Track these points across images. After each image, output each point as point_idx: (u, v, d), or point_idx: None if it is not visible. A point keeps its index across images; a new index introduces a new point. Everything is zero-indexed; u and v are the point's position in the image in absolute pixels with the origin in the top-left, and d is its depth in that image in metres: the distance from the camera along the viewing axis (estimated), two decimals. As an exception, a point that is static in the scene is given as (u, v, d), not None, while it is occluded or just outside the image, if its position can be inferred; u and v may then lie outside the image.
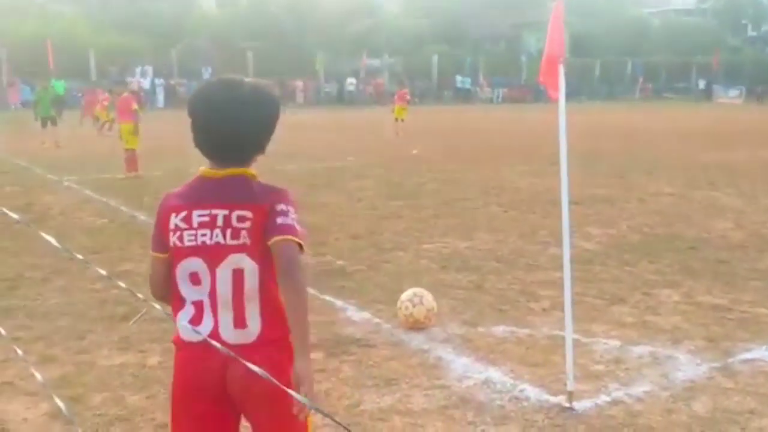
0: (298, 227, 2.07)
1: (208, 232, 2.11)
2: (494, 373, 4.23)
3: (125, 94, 13.49)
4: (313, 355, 4.45)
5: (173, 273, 2.17)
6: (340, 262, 6.81)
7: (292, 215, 2.09)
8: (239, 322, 2.11)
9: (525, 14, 53.51)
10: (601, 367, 4.32)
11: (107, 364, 4.38)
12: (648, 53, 56.39)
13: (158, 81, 41.84)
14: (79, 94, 34.05)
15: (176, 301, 2.19)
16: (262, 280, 2.10)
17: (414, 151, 16.95)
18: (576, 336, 4.55)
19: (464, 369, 4.30)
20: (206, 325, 2.12)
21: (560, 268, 6.66)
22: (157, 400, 3.89)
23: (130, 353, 4.55)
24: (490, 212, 9.46)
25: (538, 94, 42.82)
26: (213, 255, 2.10)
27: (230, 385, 2.12)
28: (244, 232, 2.09)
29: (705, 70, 56.11)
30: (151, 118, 25.82)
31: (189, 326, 2.11)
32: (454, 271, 6.52)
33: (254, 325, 2.11)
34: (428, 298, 5.05)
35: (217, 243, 2.10)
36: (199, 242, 2.12)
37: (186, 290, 2.15)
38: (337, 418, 3.60)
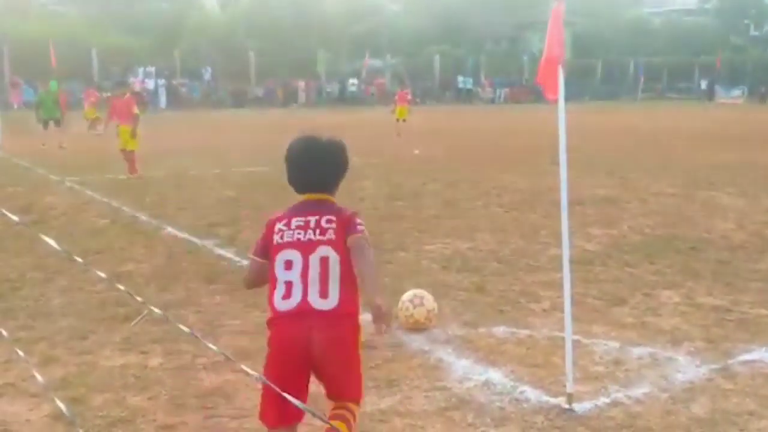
0: (365, 230, 2.99)
1: (302, 232, 2.96)
2: (494, 375, 4.24)
3: (127, 96, 13.48)
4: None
5: (272, 263, 2.97)
6: (341, 263, 6.82)
7: (362, 224, 3.00)
8: (323, 294, 2.88)
9: (527, 14, 53.52)
10: (600, 369, 4.33)
11: (109, 365, 4.40)
12: (650, 53, 56.36)
13: (160, 82, 41.90)
14: (81, 95, 34.20)
15: (272, 283, 2.97)
16: (341, 266, 2.91)
17: (416, 152, 16.97)
18: (576, 337, 4.56)
19: (465, 370, 4.31)
20: (295, 297, 2.89)
21: (561, 268, 6.71)
22: (158, 401, 3.90)
23: (132, 354, 4.57)
24: (491, 213, 9.47)
25: (539, 95, 42.75)
26: (306, 247, 2.93)
27: (313, 345, 2.86)
28: (330, 231, 2.95)
29: (707, 70, 56.06)
30: (153, 119, 25.90)
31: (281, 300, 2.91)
32: (455, 272, 6.53)
33: (334, 297, 2.89)
34: (429, 299, 5.06)
35: (309, 239, 2.94)
36: (295, 239, 2.95)
37: (280, 273, 2.94)
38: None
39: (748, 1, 67.38)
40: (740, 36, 66.04)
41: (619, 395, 3.95)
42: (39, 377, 3.65)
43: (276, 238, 2.98)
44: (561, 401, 3.82)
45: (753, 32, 68.61)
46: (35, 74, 35.99)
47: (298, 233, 2.95)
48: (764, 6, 67.98)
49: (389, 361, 4.46)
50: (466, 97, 49.66)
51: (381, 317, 2.79)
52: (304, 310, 2.85)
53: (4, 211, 3.85)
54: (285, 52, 45.47)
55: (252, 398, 3.92)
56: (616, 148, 18.02)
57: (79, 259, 3.62)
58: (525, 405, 3.84)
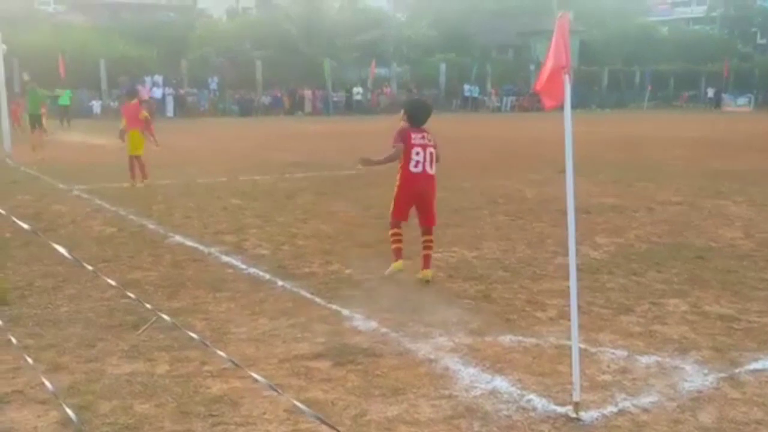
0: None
1: (422, 139, 6.37)
2: (501, 383, 4.24)
3: (135, 101, 13.59)
4: (321, 364, 4.52)
5: (408, 150, 6.29)
6: (347, 271, 6.83)
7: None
8: (431, 167, 6.39)
9: (533, 23, 53.61)
10: (608, 377, 4.32)
11: (117, 372, 4.41)
12: (656, 62, 56.33)
13: (168, 91, 42.06)
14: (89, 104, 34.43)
15: (407, 160, 6.31)
16: (435, 157, 6.44)
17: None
18: (583, 345, 4.56)
19: (471, 379, 4.31)
20: (420, 167, 6.30)
21: (568, 277, 6.69)
22: (165, 408, 3.91)
23: (140, 362, 4.58)
24: (497, 221, 9.47)
25: (546, 103, 42.72)
26: (424, 146, 6.35)
27: (423, 189, 6.44)
28: (432, 141, 6.43)
29: (714, 79, 55.99)
30: (160, 127, 25.98)
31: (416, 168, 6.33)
32: (461, 280, 6.54)
33: (433, 169, 6.42)
34: None
35: (425, 143, 6.37)
36: (419, 142, 6.34)
37: (414, 156, 6.29)
38: (342, 429, 3.63)
39: (754, 9, 67.37)
40: (747, 44, 65.99)
41: (627, 404, 3.94)
42: (48, 384, 3.66)
43: (411, 139, 6.33)
44: (568, 410, 3.82)
45: (760, 40, 68.54)
46: (44, 84, 36.22)
47: (421, 139, 6.37)
48: (771, 15, 67.95)
49: (395, 369, 4.46)
50: (473, 105, 49.69)
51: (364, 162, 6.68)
52: (425, 173, 6.35)
53: (15, 218, 3.87)
54: (291, 62, 45.60)
55: (259, 406, 3.94)
56: (623, 157, 17.99)
57: (90, 267, 3.64)
58: (532, 413, 3.84)
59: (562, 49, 3.79)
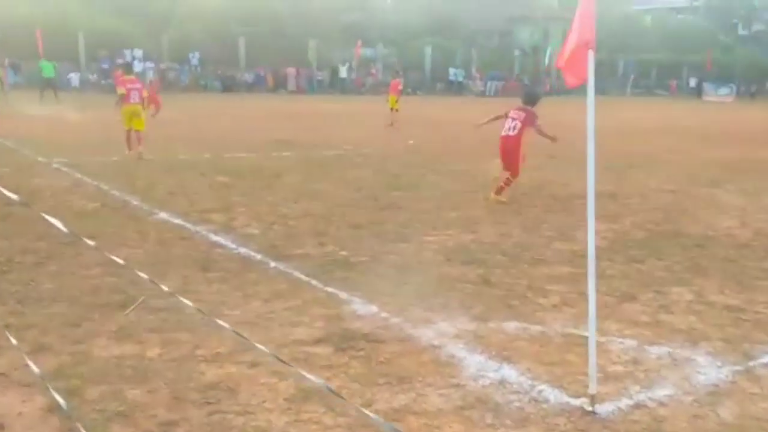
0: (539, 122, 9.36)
1: (517, 114, 9.48)
2: (510, 372, 4.06)
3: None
4: (321, 350, 4.32)
5: (505, 118, 9.60)
6: (342, 253, 6.61)
7: (538, 120, 9.58)
8: (516, 131, 9.40)
9: (518, 9, 53.38)
10: (619, 368, 4.17)
11: (105, 355, 4.17)
12: (639, 51, 56.35)
13: (148, 65, 41.29)
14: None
15: (503, 123, 9.56)
16: (522, 128, 9.38)
17: (410, 142, 16.76)
18: (588, 334, 4.40)
19: (478, 367, 4.13)
20: (510, 130, 9.38)
21: (566, 262, 6.58)
22: (158, 394, 3.69)
23: (129, 344, 4.34)
24: (491, 205, 9.29)
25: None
26: (514, 118, 9.45)
27: (506, 146, 9.47)
28: (522, 117, 9.43)
29: (696, 68, 56.19)
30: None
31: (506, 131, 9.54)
32: (460, 264, 6.35)
33: (517, 132, 9.37)
34: None
35: (516, 116, 9.48)
36: (514, 115, 9.48)
37: (507, 123, 9.46)
38: (349, 419, 3.43)
39: (736, 0, 67.60)
40: (729, 35, 66.26)
41: (642, 397, 3.78)
42: (34, 367, 3.42)
43: (510, 112, 9.45)
44: (583, 402, 3.65)
45: (741, 31, 68.86)
46: (22, 57, 35.42)
47: (515, 113, 9.39)
48: (752, 5, 68.26)
49: (399, 356, 4.27)
50: (457, 89, 49.45)
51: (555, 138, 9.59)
52: (510, 135, 9.31)
53: (2, 189, 3.61)
54: (276, 39, 44.97)
55: (257, 394, 3.73)
56: (610, 144, 17.87)
57: (91, 242, 3.39)
58: (545, 406, 3.67)
59: (587, 23, 3.58)
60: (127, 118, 13.03)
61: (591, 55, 3.60)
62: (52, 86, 29.74)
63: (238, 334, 2.19)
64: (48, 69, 30.40)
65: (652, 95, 54.19)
